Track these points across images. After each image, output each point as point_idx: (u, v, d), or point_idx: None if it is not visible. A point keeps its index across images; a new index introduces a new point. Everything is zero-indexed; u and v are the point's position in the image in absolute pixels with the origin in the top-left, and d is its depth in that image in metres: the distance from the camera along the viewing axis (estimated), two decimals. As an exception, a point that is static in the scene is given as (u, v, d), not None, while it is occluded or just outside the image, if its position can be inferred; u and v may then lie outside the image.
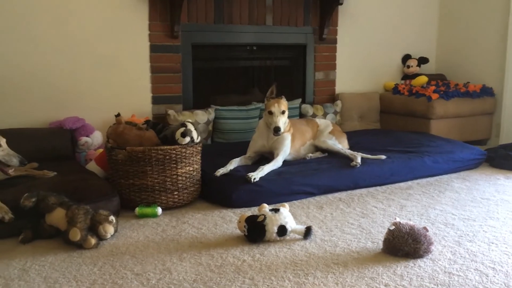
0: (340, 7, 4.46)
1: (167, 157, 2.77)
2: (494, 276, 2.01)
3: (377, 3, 4.83)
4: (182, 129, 2.79)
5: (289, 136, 3.36)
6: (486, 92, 4.63)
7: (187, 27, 3.89)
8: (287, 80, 4.49)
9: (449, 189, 3.28)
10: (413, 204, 2.96)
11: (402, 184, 3.40)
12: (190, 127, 2.84)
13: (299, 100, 4.38)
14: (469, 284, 1.94)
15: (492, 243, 2.36)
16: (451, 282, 1.96)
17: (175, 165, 2.81)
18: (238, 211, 2.82)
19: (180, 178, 2.84)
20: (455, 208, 2.88)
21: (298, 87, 4.52)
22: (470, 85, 4.65)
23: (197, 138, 2.92)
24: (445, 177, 3.59)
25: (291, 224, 2.39)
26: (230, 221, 2.66)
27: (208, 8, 3.96)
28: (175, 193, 2.84)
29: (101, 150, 3.33)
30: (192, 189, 2.94)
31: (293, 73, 4.55)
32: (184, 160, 2.84)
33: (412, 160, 3.53)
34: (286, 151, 3.32)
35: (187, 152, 2.85)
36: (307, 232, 2.40)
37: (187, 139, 2.80)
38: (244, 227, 2.36)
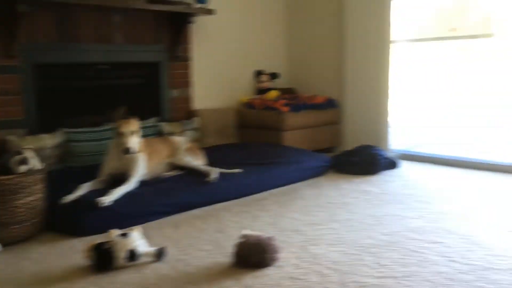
0: (193, 25, 4.53)
1: (3, 188, 2.53)
2: (332, 276, 2.18)
3: (229, 21, 5.00)
4: (18, 157, 2.58)
5: (143, 156, 3.30)
6: (331, 104, 5.05)
7: (27, 46, 3.61)
8: (141, 98, 4.40)
9: (299, 197, 3.49)
10: (266, 214, 3.10)
11: (257, 196, 3.53)
12: (28, 154, 2.63)
13: (155, 119, 4.32)
14: (310, 286, 2.08)
15: (332, 244, 2.56)
16: (294, 286, 2.08)
17: (13, 197, 2.57)
18: (90, 239, 2.68)
19: (19, 210, 2.60)
20: (303, 214, 3.08)
21: (153, 105, 4.46)
22: (317, 97, 5.04)
23: (38, 165, 2.72)
24: (296, 185, 3.82)
25: (142, 247, 2.34)
26: (79, 251, 2.50)
27: (49, 26, 3.73)
28: (15, 227, 2.60)
29: None
30: (35, 220, 2.71)
31: (147, 92, 4.49)
32: (24, 190, 2.61)
33: (266, 172, 3.71)
34: (140, 171, 3.25)
35: (27, 181, 2.63)
36: (160, 254, 2.37)
37: (24, 167, 2.59)
38: (91, 256, 2.25)
